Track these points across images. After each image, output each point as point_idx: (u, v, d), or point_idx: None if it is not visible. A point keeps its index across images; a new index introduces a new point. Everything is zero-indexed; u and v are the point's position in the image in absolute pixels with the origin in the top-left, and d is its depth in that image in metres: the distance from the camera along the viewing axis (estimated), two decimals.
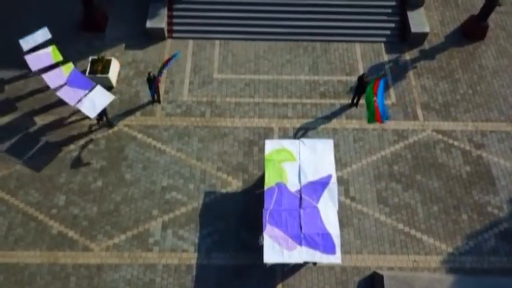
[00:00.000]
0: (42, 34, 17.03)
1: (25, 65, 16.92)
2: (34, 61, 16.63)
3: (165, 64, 16.37)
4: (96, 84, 16.27)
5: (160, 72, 16.53)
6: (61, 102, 17.66)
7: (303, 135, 17.14)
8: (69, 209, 15.54)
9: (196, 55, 19.22)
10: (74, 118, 17.43)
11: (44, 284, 14.22)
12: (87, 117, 16.57)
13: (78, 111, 17.49)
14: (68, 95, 16.05)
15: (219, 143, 16.97)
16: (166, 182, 16.12)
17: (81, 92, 16.03)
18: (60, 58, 16.83)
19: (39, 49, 16.82)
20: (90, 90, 16.04)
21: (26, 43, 16.86)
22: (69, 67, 16.61)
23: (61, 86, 16.21)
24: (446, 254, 14.99)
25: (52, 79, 16.29)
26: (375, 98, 15.37)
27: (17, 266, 14.52)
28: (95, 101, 15.86)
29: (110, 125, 17.28)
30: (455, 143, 17.16)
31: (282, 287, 14.33)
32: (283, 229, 13.52)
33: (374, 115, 15.55)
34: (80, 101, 15.85)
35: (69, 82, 16.23)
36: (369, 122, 15.83)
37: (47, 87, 18.02)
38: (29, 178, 16.09)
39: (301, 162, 14.57)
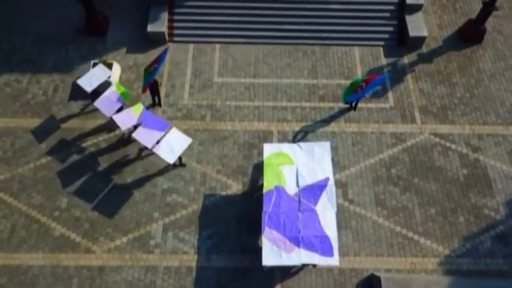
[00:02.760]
0: (101, 72, 16.72)
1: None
2: (106, 105, 16.03)
3: (154, 66, 16.29)
4: (172, 126, 15.86)
5: (149, 76, 16.37)
6: (62, 105, 17.97)
7: (302, 139, 17.34)
8: (71, 211, 15.76)
9: (196, 59, 19.43)
10: (75, 121, 17.62)
11: (47, 286, 14.43)
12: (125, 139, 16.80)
13: (79, 113, 17.79)
14: (144, 137, 15.37)
15: (219, 146, 17.18)
16: (167, 184, 16.33)
17: (157, 133, 15.41)
18: (128, 96, 16.61)
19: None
20: (166, 132, 15.50)
21: (87, 84, 16.51)
22: (139, 107, 16.09)
23: (135, 127, 15.73)
24: (443, 256, 15.18)
25: (123, 120, 15.71)
26: (359, 89, 16.44)
27: (20, 268, 14.74)
28: (172, 145, 15.31)
29: (182, 165, 16.63)
30: (453, 146, 17.35)
31: None
32: (282, 231, 13.73)
33: (349, 94, 16.73)
34: (157, 144, 15.30)
35: (144, 123, 15.61)
36: (343, 101, 17.28)
37: (48, 91, 18.33)
38: (32, 181, 16.30)
39: (299, 165, 14.79)
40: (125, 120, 15.75)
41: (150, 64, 16.39)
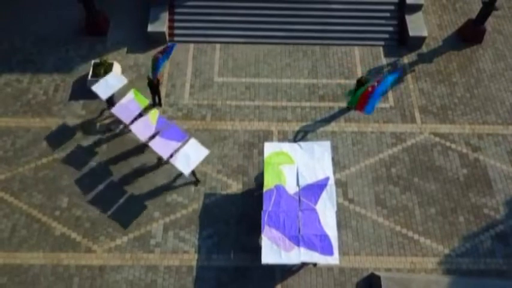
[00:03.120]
0: (116, 79, 16.51)
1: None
2: (124, 113, 15.86)
3: (158, 61, 16.27)
4: (191, 137, 15.63)
5: (154, 71, 16.42)
6: (63, 104, 18.02)
7: (302, 138, 17.37)
8: (72, 210, 15.79)
9: (197, 59, 19.47)
10: (76, 121, 17.67)
11: (48, 285, 14.47)
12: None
13: (80, 113, 17.83)
14: (161, 147, 15.13)
15: (219, 146, 17.21)
16: (167, 184, 16.35)
17: (175, 144, 15.21)
18: (146, 103, 16.23)
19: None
20: (184, 143, 15.28)
21: (102, 91, 16.22)
22: (155, 114, 15.90)
23: (152, 137, 15.48)
24: (443, 256, 15.20)
25: (141, 131, 15.53)
26: (370, 89, 15.63)
27: (21, 267, 14.78)
28: (189, 156, 14.98)
29: (197, 181, 16.36)
30: (453, 146, 17.38)
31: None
32: (281, 230, 13.76)
33: (356, 101, 16.05)
34: (173, 155, 15.08)
35: (161, 133, 15.41)
36: (348, 105, 16.87)
37: (48, 90, 18.38)
38: (32, 180, 16.34)
39: (299, 165, 14.82)
40: (144, 130, 15.54)
41: (157, 53, 16.42)
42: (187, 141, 15.35)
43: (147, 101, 16.33)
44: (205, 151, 15.29)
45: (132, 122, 15.85)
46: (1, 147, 17.00)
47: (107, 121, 17.55)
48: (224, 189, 16.31)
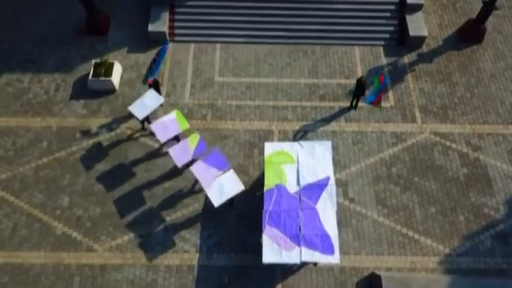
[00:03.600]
0: (153, 99, 16.37)
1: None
2: (161, 131, 15.68)
3: (154, 62, 16.23)
4: (230, 168, 15.15)
5: (151, 72, 16.38)
6: (63, 104, 18.03)
7: (303, 138, 17.40)
8: (72, 210, 15.82)
9: (197, 58, 19.49)
10: (77, 120, 17.68)
11: (49, 284, 14.51)
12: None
13: (81, 113, 17.85)
14: (201, 172, 14.74)
15: (220, 145, 17.22)
16: (168, 183, 16.38)
17: (216, 172, 14.83)
18: (186, 125, 15.98)
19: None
20: (223, 172, 14.87)
21: (140, 111, 16.11)
22: (195, 138, 15.60)
23: (193, 161, 15.21)
24: (443, 255, 15.23)
25: (179, 156, 15.25)
26: (381, 78, 16.68)
27: (22, 267, 14.81)
28: (224, 188, 14.59)
29: (231, 203, 15.63)
30: (453, 146, 17.41)
31: (282, 287, 14.58)
32: (282, 230, 13.80)
33: (375, 97, 17.00)
34: (210, 185, 14.64)
35: (204, 158, 15.09)
36: (367, 102, 17.48)
37: (49, 90, 18.39)
38: (33, 180, 16.36)
39: (300, 164, 14.86)
40: (182, 155, 15.27)
41: (150, 63, 16.46)
42: (227, 170, 15.00)
43: (187, 124, 16.02)
44: (240, 187, 14.79)
45: (167, 142, 15.81)
46: (2, 147, 17.02)
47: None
48: None
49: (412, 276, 14.40)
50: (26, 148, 17.01)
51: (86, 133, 17.41)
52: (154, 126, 15.88)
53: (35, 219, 15.64)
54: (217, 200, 14.52)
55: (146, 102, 16.45)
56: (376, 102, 17.10)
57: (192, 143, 15.55)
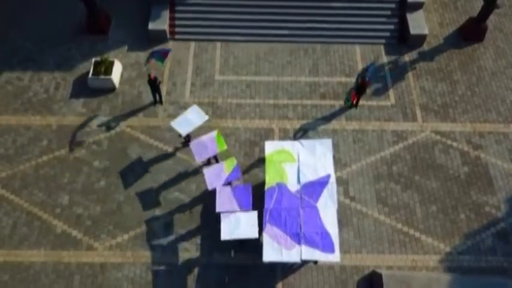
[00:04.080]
0: (197, 115, 15.89)
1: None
2: (199, 149, 15.13)
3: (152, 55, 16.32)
4: (255, 210, 14.35)
5: (152, 56, 16.33)
6: (63, 102, 18.00)
7: (303, 136, 17.35)
8: (72, 208, 15.78)
9: (197, 57, 19.45)
10: (77, 119, 17.65)
11: (49, 283, 14.47)
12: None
13: (81, 111, 17.81)
14: (224, 200, 14.40)
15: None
16: (169, 182, 16.34)
17: (236, 207, 14.35)
18: (224, 147, 15.42)
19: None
20: (245, 212, 14.30)
21: (183, 127, 15.69)
22: (232, 162, 15.13)
23: (222, 188, 14.66)
24: (444, 254, 15.20)
25: (212, 179, 14.76)
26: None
27: (22, 265, 14.77)
28: (240, 226, 13.96)
29: (242, 243, 14.90)
30: (454, 144, 17.37)
31: (282, 286, 14.55)
32: (283, 228, 13.76)
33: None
34: (228, 215, 14.16)
35: (234, 187, 14.74)
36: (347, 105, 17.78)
37: (49, 88, 18.36)
38: (33, 178, 16.33)
39: (301, 163, 14.83)
40: (215, 178, 14.80)
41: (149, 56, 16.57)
42: (248, 210, 14.36)
43: (225, 146, 15.55)
44: (255, 234, 13.88)
45: (203, 160, 15.53)
46: (2, 145, 16.99)
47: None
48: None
49: (413, 275, 14.36)
50: (26, 146, 16.98)
51: (86, 131, 17.31)
52: (193, 145, 15.27)
53: (35, 217, 15.61)
54: (226, 235, 13.88)
55: (190, 118, 15.93)
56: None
57: (227, 167, 15.00)
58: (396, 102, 18.32)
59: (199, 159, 15.36)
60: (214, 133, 15.58)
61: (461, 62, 19.52)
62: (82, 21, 19.98)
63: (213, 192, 16.08)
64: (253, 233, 13.90)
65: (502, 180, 16.59)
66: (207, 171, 14.97)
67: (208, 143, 15.35)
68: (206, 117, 16.19)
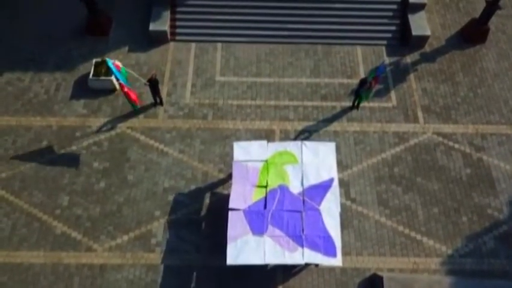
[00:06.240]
0: (260, 152, 14.98)
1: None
2: (239, 170, 14.59)
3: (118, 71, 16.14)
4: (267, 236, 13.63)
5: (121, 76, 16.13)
6: (64, 103, 17.96)
7: (304, 138, 17.27)
8: (72, 209, 15.72)
9: (198, 58, 19.40)
10: (77, 120, 17.61)
11: (48, 284, 14.40)
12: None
13: (81, 112, 17.76)
14: (236, 223, 13.72)
15: (221, 145, 17.12)
16: (169, 183, 16.28)
17: (248, 229, 13.68)
18: (264, 183, 14.43)
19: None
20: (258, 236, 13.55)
21: (242, 152, 14.94)
22: (261, 194, 14.30)
23: (238, 213, 13.92)
24: (446, 256, 15.08)
25: (235, 198, 14.09)
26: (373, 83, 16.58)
27: (21, 266, 14.71)
28: (245, 252, 13.35)
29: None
30: (456, 146, 17.26)
31: None
32: (285, 231, 13.64)
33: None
34: (236, 238, 13.57)
35: (249, 220, 13.84)
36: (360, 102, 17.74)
37: (49, 89, 18.33)
38: (33, 179, 16.28)
39: (304, 165, 14.67)
40: (239, 201, 14.09)
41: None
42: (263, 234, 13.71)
43: (265, 182, 14.50)
44: (261, 261, 13.31)
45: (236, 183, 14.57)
46: (2, 146, 16.95)
47: None
48: (226, 188, 16.20)
49: (415, 278, 14.26)
50: (26, 147, 16.94)
51: (86, 132, 17.25)
52: (235, 165, 14.76)
53: (34, 218, 15.55)
54: (232, 259, 13.25)
55: (251, 151, 15.06)
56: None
57: (255, 196, 14.29)
58: (398, 104, 18.24)
59: (235, 182, 14.48)
60: (260, 164, 14.74)
61: (463, 63, 19.42)
62: (83, 22, 19.95)
63: (213, 192, 16.05)
64: (259, 260, 13.28)
65: (504, 183, 16.47)
66: (235, 192, 14.23)
67: (251, 170, 14.60)
68: (265, 158, 14.96)
